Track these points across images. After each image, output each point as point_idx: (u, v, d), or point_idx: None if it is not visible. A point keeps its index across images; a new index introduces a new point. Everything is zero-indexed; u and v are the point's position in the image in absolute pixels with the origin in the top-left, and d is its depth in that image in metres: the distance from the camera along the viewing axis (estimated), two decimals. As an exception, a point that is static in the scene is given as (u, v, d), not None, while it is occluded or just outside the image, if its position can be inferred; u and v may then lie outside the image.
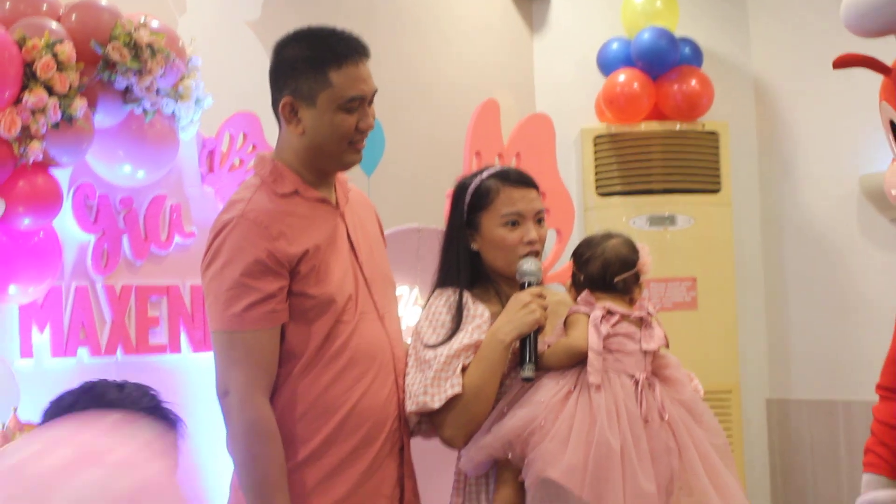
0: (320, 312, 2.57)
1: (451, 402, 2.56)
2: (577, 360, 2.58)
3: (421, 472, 2.77)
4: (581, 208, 5.33)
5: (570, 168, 5.41)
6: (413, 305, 4.06)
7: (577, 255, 2.74)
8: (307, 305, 2.56)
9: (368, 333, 2.63)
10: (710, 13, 5.77)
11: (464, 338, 2.60)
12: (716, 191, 5.41)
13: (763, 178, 5.75)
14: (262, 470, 2.49)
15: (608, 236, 2.73)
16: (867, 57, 2.47)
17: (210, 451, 3.52)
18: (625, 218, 5.29)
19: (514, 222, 2.67)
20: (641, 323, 2.65)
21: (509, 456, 2.52)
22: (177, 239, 3.65)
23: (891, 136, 2.54)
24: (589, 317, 2.61)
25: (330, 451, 2.55)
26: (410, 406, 2.59)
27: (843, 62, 2.48)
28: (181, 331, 3.60)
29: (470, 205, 2.71)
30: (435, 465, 2.97)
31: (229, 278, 2.52)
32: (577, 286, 2.73)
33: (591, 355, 2.55)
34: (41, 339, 3.34)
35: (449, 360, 2.57)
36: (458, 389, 2.55)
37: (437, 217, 4.33)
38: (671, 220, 5.34)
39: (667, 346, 2.68)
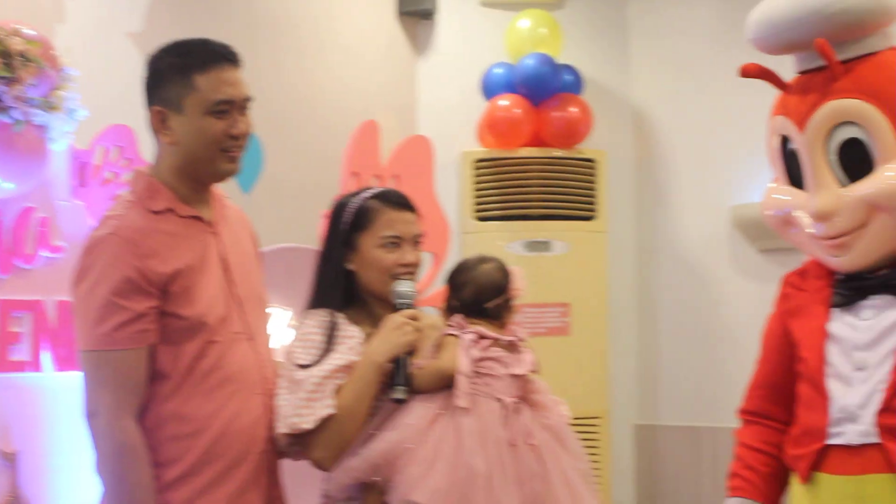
0: (191, 333, 2.55)
1: (324, 424, 2.55)
2: (447, 383, 2.60)
3: (290, 494, 2.76)
4: (458, 232, 5.36)
5: (450, 192, 5.42)
6: (285, 327, 4.02)
7: (451, 280, 2.76)
8: (178, 326, 2.54)
9: (238, 355, 2.62)
10: (592, 42, 5.86)
11: (337, 359, 2.60)
12: (592, 218, 5.48)
13: (638, 206, 5.85)
14: (130, 492, 2.46)
15: (482, 261, 2.76)
16: (770, 71, 2.55)
17: (74, 473, 3.44)
18: (501, 243, 5.33)
19: (393, 244, 2.69)
20: (512, 347, 2.68)
21: (376, 479, 2.52)
22: (44, 253, 3.56)
23: (778, 153, 2.60)
24: (460, 339, 2.63)
25: (198, 472, 2.52)
26: (282, 427, 2.57)
27: (748, 72, 2.55)
28: (44, 348, 3.51)
29: (350, 224, 2.72)
30: (304, 487, 2.96)
31: (99, 297, 2.48)
32: (450, 310, 2.75)
33: (459, 379, 2.57)
34: None
35: (322, 381, 2.57)
36: (331, 410, 2.54)
37: (312, 237, 4.30)
38: (547, 245, 5.40)
39: (535, 371, 2.71)
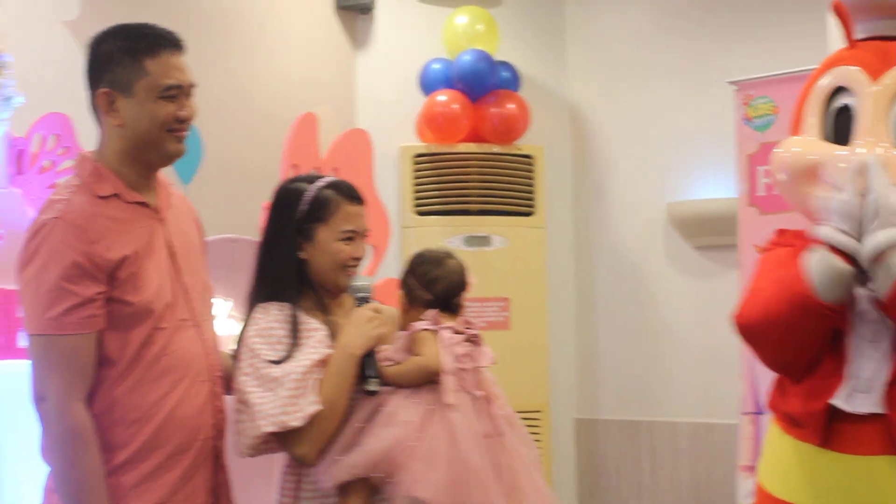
0: (138, 320, 2.52)
1: (310, 420, 2.54)
2: (429, 380, 2.60)
3: (236, 479, 2.75)
4: (398, 226, 5.36)
5: (389, 186, 5.42)
6: (227, 317, 3.99)
7: (422, 273, 2.74)
8: (125, 312, 2.51)
9: (184, 341, 2.60)
10: (529, 39, 5.90)
11: (311, 353, 2.59)
12: (530, 213, 5.52)
13: (576, 202, 5.90)
14: (80, 477, 2.44)
15: (447, 255, 2.77)
16: (848, 20, 2.59)
17: (19, 459, 3.38)
18: (441, 237, 5.34)
19: (351, 238, 2.69)
20: (475, 341, 2.69)
21: (375, 475, 2.52)
22: (-20, 241, 3.50)
23: (822, 105, 2.58)
24: (435, 335, 2.63)
25: (145, 457, 2.51)
26: (268, 427, 2.52)
27: (838, 8, 2.58)
28: (-19, 336, 3.45)
29: (306, 213, 2.70)
30: (250, 473, 2.94)
31: (47, 281, 2.45)
32: (417, 304, 2.72)
33: (446, 377, 2.58)
34: None
35: (302, 377, 2.55)
36: (318, 406, 2.54)
37: (251, 228, 4.27)
38: (486, 240, 5.42)
39: (495, 363, 2.74)
